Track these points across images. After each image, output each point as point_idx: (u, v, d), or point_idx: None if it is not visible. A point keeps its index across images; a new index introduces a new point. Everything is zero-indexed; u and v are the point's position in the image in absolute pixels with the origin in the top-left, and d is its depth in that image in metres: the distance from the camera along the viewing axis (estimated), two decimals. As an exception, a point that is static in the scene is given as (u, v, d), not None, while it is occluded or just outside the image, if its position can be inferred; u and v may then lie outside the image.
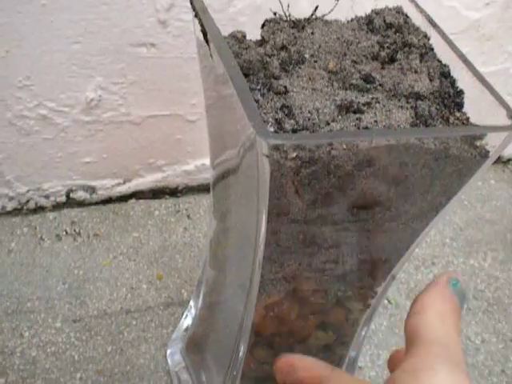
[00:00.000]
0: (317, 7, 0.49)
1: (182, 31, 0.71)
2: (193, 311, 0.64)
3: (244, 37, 0.48)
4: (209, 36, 0.44)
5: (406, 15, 0.51)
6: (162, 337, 0.69)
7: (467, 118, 0.44)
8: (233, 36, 0.48)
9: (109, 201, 0.83)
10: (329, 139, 0.37)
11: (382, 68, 0.47)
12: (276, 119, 0.40)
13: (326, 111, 0.41)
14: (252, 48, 0.45)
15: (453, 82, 0.46)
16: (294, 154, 0.38)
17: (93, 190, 0.81)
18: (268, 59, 0.45)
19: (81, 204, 0.82)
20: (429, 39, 0.49)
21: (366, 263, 0.49)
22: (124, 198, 0.84)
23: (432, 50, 0.48)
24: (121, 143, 0.78)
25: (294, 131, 0.40)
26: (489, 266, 0.85)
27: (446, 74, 0.46)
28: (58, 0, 0.65)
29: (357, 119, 0.41)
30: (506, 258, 0.86)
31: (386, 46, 0.48)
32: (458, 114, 0.44)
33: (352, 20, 0.51)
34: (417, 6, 0.51)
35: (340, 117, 0.41)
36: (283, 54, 0.46)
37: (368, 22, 0.50)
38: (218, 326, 0.58)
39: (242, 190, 0.47)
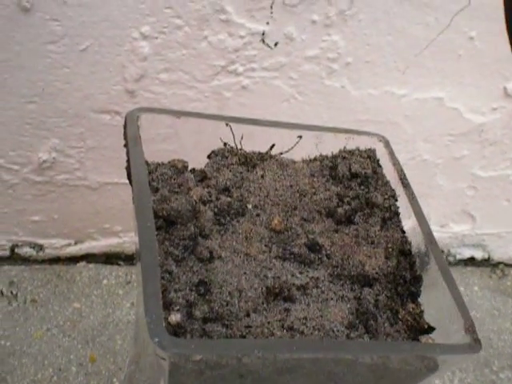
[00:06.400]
0: (273, 145, 0.42)
1: (151, 103, 0.64)
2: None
3: (185, 167, 0.41)
4: (132, 177, 0.37)
5: (378, 163, 0.44)
6: None
7: (420, 313, 0.38)
8: (172, 166, 0.41)
9: (56, 261, 0.77)
10: (234, 352, 0.31)
11: (335, 231, 0.40)
12: (187, 301, 0.34)
13: (250, 295, 0.35)
14: (184, 192, 0.39)
15: (412, 264, 0.39)
16: (198, 358, 0.31)
17: (40, 247, 0.75)
18: (202, 207, 0.38)
19: (25, 260, 0.76)
20: (396, 200, 0.42)
21: None
22: (73, 260, 0.77)
23: (397, 215, 0.41)
24: (74, 206, 0.72)
25: (206, 321, 0.34)
26: (454, 390, 0.78)
27: (406, 252, 0.39)
28: (17, 58, 0.58)
29: (285, 310, 0.35)
30: (476, 381, 0.79)
31: (345, 200, 0.41)
32: (410, 306, 0.38)
33: (315, 160, 0.44)
34: (391, 153, 0.44)
35: (265, 304, 0.35)
36: (223, 198, 0.39)
37: (332, 167, 0.43)
38: None
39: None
